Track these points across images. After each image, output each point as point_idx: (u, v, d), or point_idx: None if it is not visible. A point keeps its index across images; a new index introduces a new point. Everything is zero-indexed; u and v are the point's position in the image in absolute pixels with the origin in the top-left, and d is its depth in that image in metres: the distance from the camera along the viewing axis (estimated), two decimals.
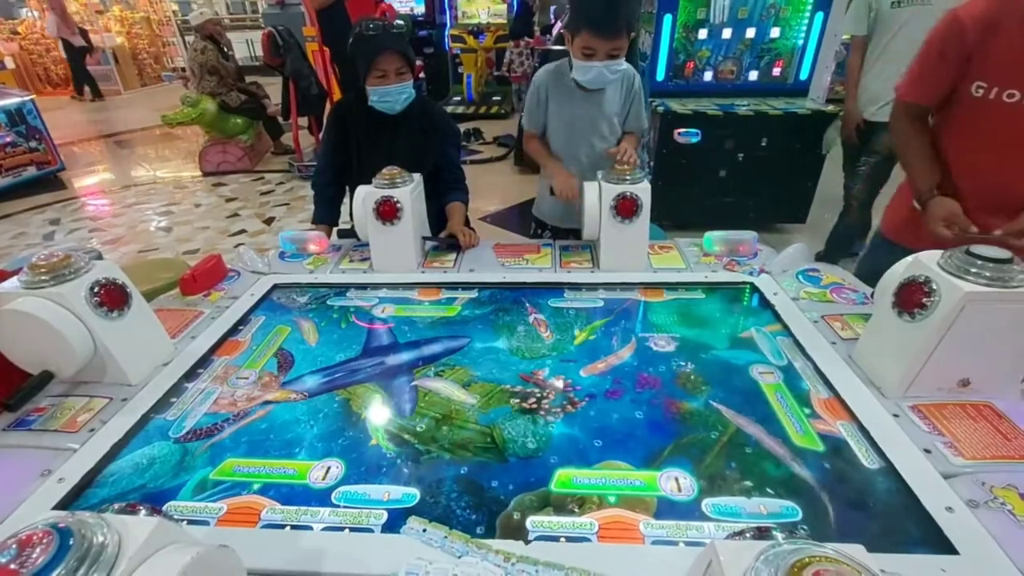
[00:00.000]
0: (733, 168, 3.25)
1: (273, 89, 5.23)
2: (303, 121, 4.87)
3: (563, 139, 1.65)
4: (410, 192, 1.37)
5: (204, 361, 1.09)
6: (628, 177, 1.35)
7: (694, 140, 3.20)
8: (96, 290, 0.94)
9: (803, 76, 3.23)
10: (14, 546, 0.42)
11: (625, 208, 1.34)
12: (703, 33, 3.25)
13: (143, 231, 3.70)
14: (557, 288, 1.33)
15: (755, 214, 3.27)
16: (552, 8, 7.05)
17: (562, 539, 0.69)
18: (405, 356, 1.10)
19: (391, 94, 1.51)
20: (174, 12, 10.90)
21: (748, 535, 0.45)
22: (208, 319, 1.22)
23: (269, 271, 1.46)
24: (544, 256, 1.48)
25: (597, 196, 1.37)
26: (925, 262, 0.89)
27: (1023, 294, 0.80)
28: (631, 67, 1.56)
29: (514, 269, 1.42)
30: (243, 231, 3.57)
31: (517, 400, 0.95)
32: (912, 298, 0.89)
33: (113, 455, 0.85)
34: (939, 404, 0.89)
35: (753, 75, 3.30)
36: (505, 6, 7.29)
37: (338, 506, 0.75)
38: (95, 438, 0.87)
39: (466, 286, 1.35)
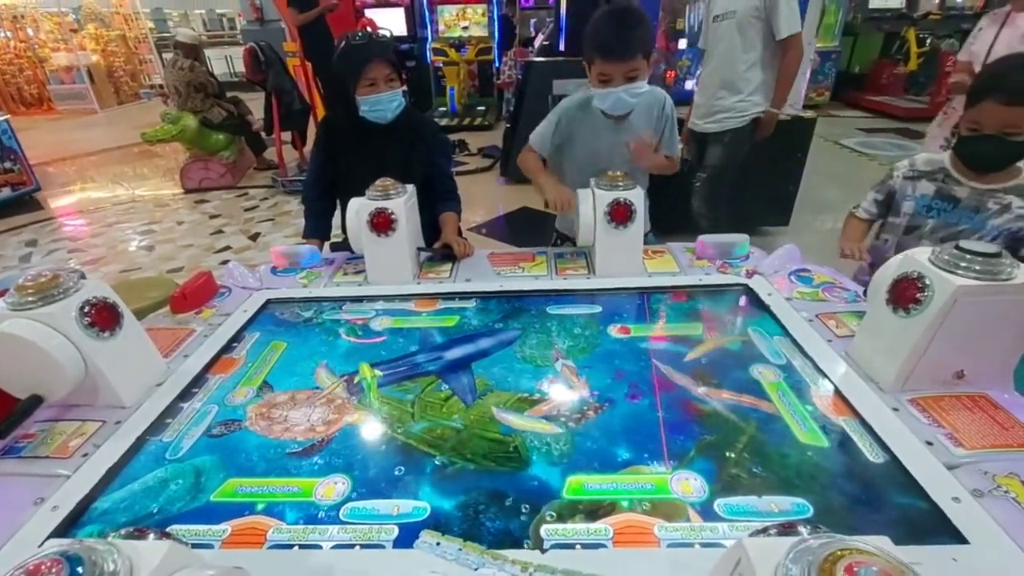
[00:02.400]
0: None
1: (254, 104, 5.21)
2: (286, 136, 4.84)
3: (584, 169, 1.57)
4: (404, 203, 1.36)
5: (198, 380, 1.06)
6: (621, 184, 1.37)
7: (673, 155, 3.25)
8: (87, 310, 0.92)
9: None
10: None
11: (619, 214, 1.35)
12: (683, 43, 3.32)
13: (124, 250, 3.62)
14: (554, 295, 1.33)
15: (740, 218, 3.32)
16: (532, 21, 7.16)
17: (577, 546, 0.68)
18: (461, 350, 1.13)
19: (382, 102, 1.51)
20: (151, 29, 10.80)
21: (773, 532, 0.45)
22: (200, 337, 1.20)
23: (261, 286, 1.44)
24: (540, 264, 1.49)
25: (591, 203, 1.38)
26: (917, 258, 0.91)
27: (1012, 286, 0.83)
28: (660, 90, 1.54)
29: (510, 277, 1.42)
30: (228, 247, 3.52)
31: (536, 408, 0.95)
32: (906, 294, 0.91)
33: (108, 480, 0.82)
34: (937, 397, 0.90)
35: None
36: (486, 19, 7.38)
37: (347, 523, 0.74)
38: (89, 463, 0.84)
39: (463, 296, 1.34)
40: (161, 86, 9.78)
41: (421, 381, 1.03)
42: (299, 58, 4.80)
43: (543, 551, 0.67)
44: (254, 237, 3.68)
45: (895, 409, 0.89)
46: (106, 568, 0.42)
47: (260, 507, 0.77)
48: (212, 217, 4.12)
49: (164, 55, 10.42)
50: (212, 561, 0.54)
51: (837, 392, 0.95)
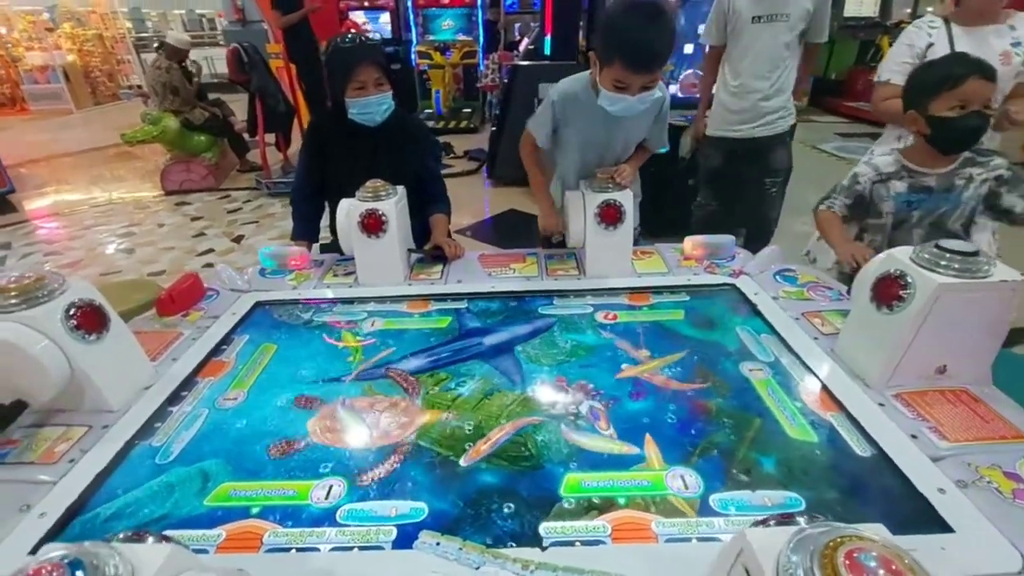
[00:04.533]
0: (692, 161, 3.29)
1: (237, 106, 5.14)
2: (270, 138, 4.79)
3: (576, 157, 1.54)
4: (395, 204, 1.36)
5: (187, 383, 1.05)
6: (610, 185, 1.38)
7: (663, 151, 3.29)
8: (72, 312, 0.90)
9: None
10: None
11: (609, 215, 1.37)
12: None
13: (102, 253, 3.54)
14: (546, 296, 1.34)
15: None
16: (516, 26, 7.20)
17: (577, 543, 0.69)
18: (499, 337, 1.17)
19: (371, 105, 1.50)
20: (128, 29, 10.60)
21: (772, 523, 0.46)
22: (189, 340, 1.18)
23: (250, 288, 1.42)
24: (530, 265, 1.49)
25: (581, 205, 1.39)
26: (898, 257, 0.94)
27: (990, 284, 0.86)
28: (662, 86, 1.37)
29: (501, 278, 1.42)
30: (211, 250, 3.47)
31: (544, 407, 0.95)
32: (889, 292, 0.93)
33: (97, 486, 0.80)
34: (920, 391, 0.93)
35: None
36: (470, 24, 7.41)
37: (344, 525, 0.73)
38: (76, 469, 0.82)
39: (455, 297, 1.34)
40: (139, 86, 9.62)
41: (428, 382, 1.03)
42: (283, 60, 4.76)
43: (543, 549, 0.67)
44: (238, 239, 3.63)
45: (881, 404, 0.91)
46: (108, 572, 0.41)
47: (255, 511, 0.76)
48: (194, 219, 4.05)
49: (143, 55, 10.24)
50: (211, 565, 0.53)
51: (824, 388, 0.97)
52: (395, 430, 0.91)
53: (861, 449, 0.84)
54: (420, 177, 1.68)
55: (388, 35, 7.68)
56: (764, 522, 0.47)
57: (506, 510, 0.74)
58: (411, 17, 7.62)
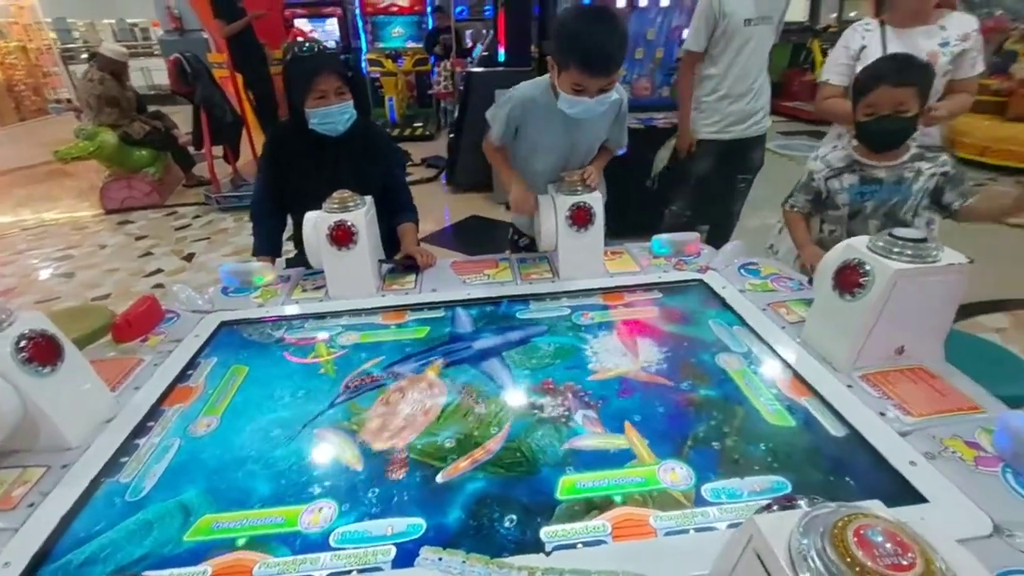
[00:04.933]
0: (660, 177, 3.38)
1: (178, 118, 4.91)
2: (218, 151, 4.59)
3: (539, 161, 1.55)
4: (364, 215, 1.33)
5: (154, 413, 0.99)
6: (579, 188, 1.40)
7: (620, 152, 3.36)
8: (23, 344, 0.83)
9: None
10: None
11: (580, 217, 1.39)
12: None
13: (37, 280, 3.29)
14: (522, 300, 1.35)
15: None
16: (468, 32, 7.21)
17: (579, 545, 0.69)
18: (489, 342, 1.17)
19: (333, 115, 1.47)
20: (53, 40, 9.96)
21: (776, 508, 0.48)
22: (150, 366, 1.11)
23: (213, 308, 1.35)
24: (504, 270, 1.49)
25: (552, 208, 1.41)
26: (856, 246, 1.00)
27: (940, 267, 0.92)
28: (620, 89, 1.41)
29: (476, 285, 1.42)
30: (160, 270, 3.29)
31: (535, 411, 0.95)
32: (849, 279, 0.99)
33: (63, 529, 0.75)
34: (883, 372, 0.99)
35: (665, 91, 3.53)
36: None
37: (340, 548, 0.71)
38: (38, 512, 0.76)
39: (432, 306, 1.33)
40: (69, 100, 9.04)
41: None
42: (228, 70, 4.59)
43: (547, 554, 0.67)
44: (188, 258, 3.46)
45: (849, 386, 0.96)
46: None
47: (241, 542, 0.73)
48: (139, 239, 3.83)
49: (72, 67, 9.64)
50: None
51: (796, 375, 1.02)
52: (386, 442, 0.89)
53: (835, 430, 0.88)
54: (386, 186, 1.66)
55: (336, 43, 7.55)
56: (768, 508, 0.48)
57: (506, 519, 0.74)
58: (360, 24, 7.50)
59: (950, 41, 1.71)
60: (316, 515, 0.76)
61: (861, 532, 0.39)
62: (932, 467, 0.77)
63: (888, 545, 0.39)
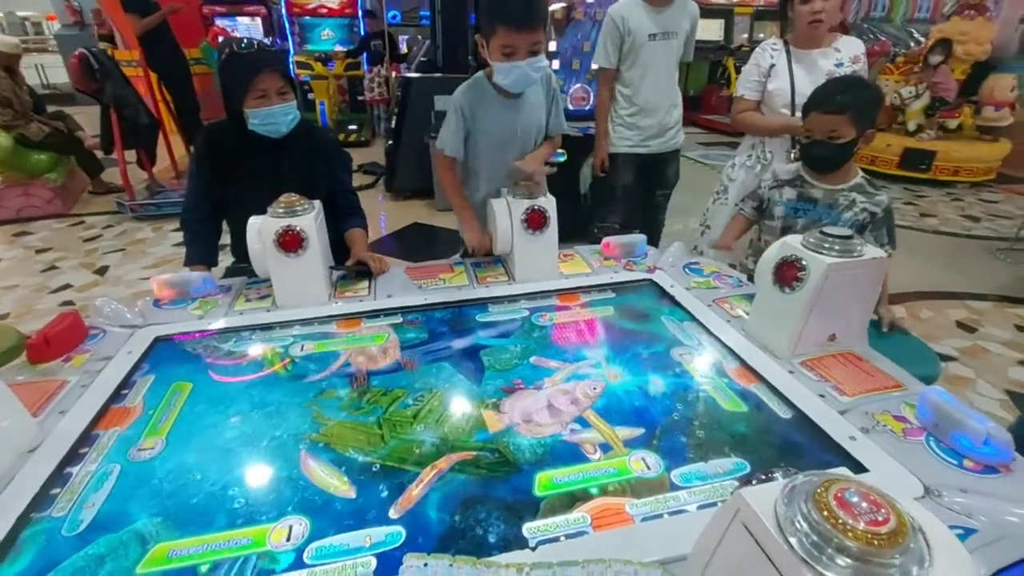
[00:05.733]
0: (591, 191, 3.44)
1: (83, 119, 4.49)
2: (130, 155, 4.23)
3: (493, 154, 1.61)
4: (313, 220, 1.28)
5: (86, 439, 0.90)
6: (533, 192, 1.43)
7: (560, 159, 3.45)
8: None
9: None
10: None
11: (534, 220, 1.41)
12: (556, 64, 3.54)
13: None
14: (480, 304, 1.35)
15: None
16: (402, 38, 7.14)
17: (562, 537, 0.70)
18: (467, 340, 1.19)
19: (275, 115, 1.40)
20: None
21: (755, 482, 0.52)
22: (77, 387, 1.01)
23: (145, 323, 1.25)
24: (459, 274, 1.49)
25: (507, 212, 1.42)
26: (791, 243, 1.09)
27: (865, 261, 1.02)
28: (546, 64, 1.49)
29: (433, 290, 1.40)
30: (68, 286, 2.97)
31: (506, 411, 0.95)
32: (787, 274, 1.07)
33: None
34: (819, 358, 1.08)
35: None
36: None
37: (315, 565, 0.67)
38: None
39: (388, 312, 1.30)
40: None
41: (383, 401, 0.99)
42: (141, 68, 4.26)
43: (532, 549, 0.68)
44: (101, 271, 3.15)
45: (791, 372, 1.04)
46: None
47: (204, 569, 0.67)
48: (40, 251, 3.44)
49: None
50: None
51: (744, 364, 1.09)
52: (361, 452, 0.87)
53: (783, 412, 0.95)
54: (331, 191, 1.60)
55: (265, 41, 7.20)
56: (749, 482, 0.52)
57: (487, 519, 0.73)
58: (286, 25, 7.21)
59: (843, 62, 1.89)
60: (285, 532, 0.72)
61: (840, 495, 0.43)
62: (869, 440, 0.85)
63: (864, 504, 0.43)
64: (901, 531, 0.41)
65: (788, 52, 1.96)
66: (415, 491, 0.79)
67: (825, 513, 0.42)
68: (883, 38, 6.40)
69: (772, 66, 1.97)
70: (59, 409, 0.95)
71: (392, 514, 0.75)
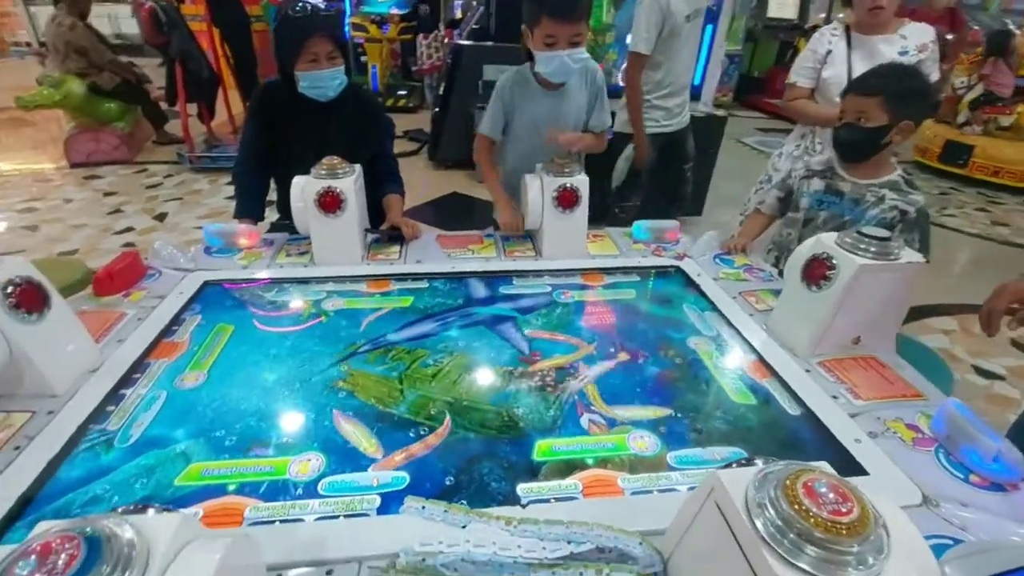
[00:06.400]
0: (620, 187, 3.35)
1: (148, 71, 4.71)
2: (192, 108, 4.43)
3: (530, 142, 1.64)
4: (353, 183, 1.34)
5: (139, 365, 1.00)
6: (567, 170, 1.44)
7: (608, 136, 3.39)
8: (10, 291, 0.83)
9: (696, 82, 3.56)
10: (34, 557, 0.38)
11: (566, 199, 1.42)
12: (610, 37, 3.45)
13: None
14: (505, 276, 1.38)
15: (657, 207, 3.54)
16: (457, 3, 7.03)
17: (552, 500, 0.75)
18: (502, 306, 1.24)
19: (324, 79, 1.45)
20: None
21: (735, 466, 0.54)
22: (134, 320, 1.11)
23: (196, 267, 1.35)
24: (488, 246, 1.52)
25: (539, 188, 1.44)
26: (825, 241, 1.07)
27: (900, 264, 1.00)
28: (591, 60, 1.56)
29: (461, 259, 1.44)
30: (131, 228, 3.19)
31: (524, 380, 1.00)
32: (816, 272, 1.06)
33: (51, 473, 0.76)
34: (839, 359, 1.07)
35: None
36: None
37: (327, 496, 0.74)
38: (24, 456, 0.77)
39: (415, 276, 1.35)
40: (28, 44, 8.53)
41: (406, 358, 1.05)
42: (206, 23, 4.40)
43: (523, 506, 0.72)
44: (160, 218, 3.36)
45: (807, 371, 1.04)
46: (123, 542, 0.41)
47: (232, 488, 0.76)
48: (107, 195, 3.70)
49: (32, 9, 9.04)
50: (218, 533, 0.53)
51: (760, 358, 1.09)
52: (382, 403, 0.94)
53: (792, 409, 0.96)
54: (374, 155, 1.65)
55: (320, 4, 7.26)
56: (729, 466, 0.54)
57: (485, 476, 0.79)
58: None
59: (909, 49, 1.77)
60: (304, 465, 0.79)
61: (808, 484, 0.45)
62: (874, 445, 0.85)
63: (831, 495, 0.45)
64: (863, 522, 0.43)
65: (848, 38, 1.85)
66: (425, 442, 0.85)
67: (791, 499, 0.44)
68: (975, 27, 5.88)
69: (829, 52, 1.87)
70: (117, 338, 1.05)
71: (401, 460, 0.81)
